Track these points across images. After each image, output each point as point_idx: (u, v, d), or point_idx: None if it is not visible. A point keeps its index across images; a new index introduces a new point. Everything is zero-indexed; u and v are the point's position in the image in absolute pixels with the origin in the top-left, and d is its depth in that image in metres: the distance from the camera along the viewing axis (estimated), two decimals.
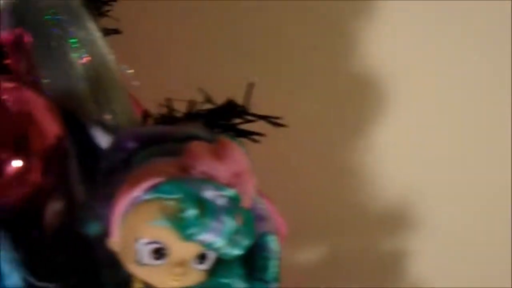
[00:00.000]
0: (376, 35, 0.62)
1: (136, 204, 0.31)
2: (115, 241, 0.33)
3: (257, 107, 0.40)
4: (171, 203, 0.31)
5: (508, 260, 0.67)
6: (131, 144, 0.37)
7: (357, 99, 0.64)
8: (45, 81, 0.37)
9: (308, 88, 0.62)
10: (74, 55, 0.38)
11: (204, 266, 0.33)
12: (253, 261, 0.34)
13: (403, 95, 0.64)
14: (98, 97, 0.38)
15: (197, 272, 0.32)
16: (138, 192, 0.31)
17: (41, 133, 0.33)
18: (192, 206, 0.30)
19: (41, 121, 0.34)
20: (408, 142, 0.64)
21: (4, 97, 0.34)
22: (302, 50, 0.62)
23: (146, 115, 0.40)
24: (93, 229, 0.35)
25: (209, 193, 0.30)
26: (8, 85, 0.36)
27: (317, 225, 0.64)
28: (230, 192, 0.31)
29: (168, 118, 0.38)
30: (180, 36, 0.58)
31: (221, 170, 0.32)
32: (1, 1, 0.38)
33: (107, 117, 0.38)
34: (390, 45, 0.62)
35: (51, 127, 0.34)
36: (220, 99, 0.40)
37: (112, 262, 0.36)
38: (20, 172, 0.33)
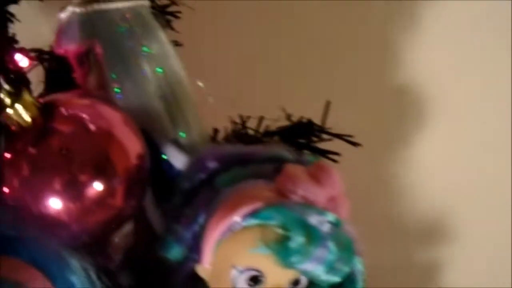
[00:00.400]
0: (418, 52, 0.62)
1: (234, 230, 0.30)
2: (206, 267, 0.32)
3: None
4: (273, 229, 0.30)
5: None
6: (212, 165, 0.36)
7: (396, 113, 0.64)
8: (119, 96, 0.36)
9: (350, 102, 0.62)
10: (148, 69, 0.37)
11: None
12: (341, 284, 0.34)
13: (441, 110, 0.64)
14: (173, 114, 0.37)
15: None
16: (236, 218, 0.30)
17: (124, 153, 0.32)
18: (298, 233, 0.29)
19: (122, 139, 0.32)
20: (444, 156, 0.65)
21: (81, 115, 0.33)
22: (349, 68, 0.62)
23: (217, 132, 0.39)
24: (174, 253, 0.34)
25: (313, 219, 0.30)
26: (82, 101, 0.34)
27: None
28: (332, 217, 0.30)
29: (242, 135, 0.37)
30: (250, 50, 0.57)
31: (319, 195, 0.31)
32: (70, 12, 0.37)
33: (182, 134, 0.37)
34: (431, 62, 0.62)
35: (133, 144, 0.33)
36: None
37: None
38: (102, 196, 0.32)
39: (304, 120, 0.37)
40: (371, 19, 0.64)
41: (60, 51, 0.38)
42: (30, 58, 0.35)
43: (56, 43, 0.38)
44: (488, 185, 0.67)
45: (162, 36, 0.38)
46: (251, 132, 0.38)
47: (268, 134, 0.37)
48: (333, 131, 0.42)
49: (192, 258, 0.33)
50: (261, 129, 0.39)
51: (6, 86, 0.30)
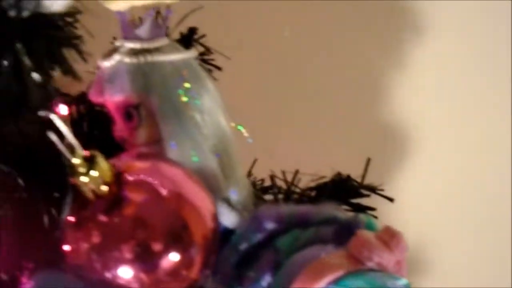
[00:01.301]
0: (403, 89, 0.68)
1: None
2: None
3: None
4: None
5: None
6: (270, 226, 0.36)
7: (379, 148, 0.69)
8: (173, 152, 0.35)
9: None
10: (201, 123, 0.36)
11: None
12: None
13: (422, 145, 0.71)
14: (225, 170, 0.36)
15: None
16: (320, 286, 0.32)
17: (199, 216, 0.31)
18: None
19: (195, 200, 0.31)
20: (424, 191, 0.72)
21: (149, 180, 0.31)
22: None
23: (255, 184, 0.39)
24: None
25: (391, 284, 0.32)
26: (145, 165, 0.32)
27: None
28: (404, 282, 0.33)
29: (290, 192, 0.38)
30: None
31: (391, 260, 0.33)
32: (117, 61, 0.35)
33: (233, 191, 0.36)
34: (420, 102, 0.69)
35: (205, 204, 0.32)
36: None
37: None
38: (177, 267, 0.30)
39: (344, 176, 0.40)
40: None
41: (98, 100, 0.36)
42: (69, 105, 0.33)
43: (95, 91, 0.36)
44: (467, 220, 0.76)
45: (212, 86, 0.37)
46: (293, 187, 0.39)
47: (311, 190, 0.39)
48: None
49: None
50: (296, 182, 0.41)
51: (81, 152, 0.28)
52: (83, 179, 0.28)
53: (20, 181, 0.35)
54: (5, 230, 0.36)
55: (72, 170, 0.28)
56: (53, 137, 0.27)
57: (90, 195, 0.29)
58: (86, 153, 0.28)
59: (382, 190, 0.40)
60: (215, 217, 0.32)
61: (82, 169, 0.28)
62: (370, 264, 0.33)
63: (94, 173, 0.28)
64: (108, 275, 0.30)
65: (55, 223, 0.36)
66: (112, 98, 0.35)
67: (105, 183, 0.29)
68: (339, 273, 0.32)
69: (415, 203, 0.68)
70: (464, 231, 0.71)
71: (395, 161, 0.70)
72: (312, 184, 0.40)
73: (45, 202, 0.36)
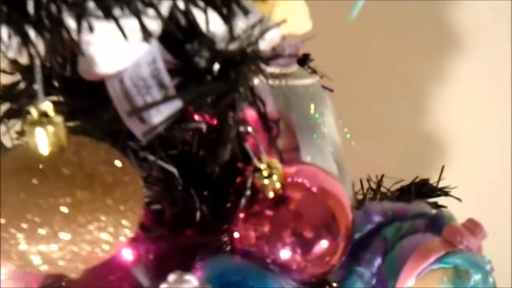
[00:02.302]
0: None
1: (424, 272, 0.42)
2: None
3: None
4: (453, 270, 0.42)
5: None
6: (377, 218, 0.47)
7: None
8: (307, 159, 0.44)
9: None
10: (326, 135, 0.45)
11: None
12: None
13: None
14: (341, 174, 0.46)
15: None
16: (426, 264, 0.42)
17: (343, 209, 0.39)
18: (477, 273, 0.41)
19: (338, 195, 0.39)
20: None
21: (302, 181, 0.40)
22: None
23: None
24: (356, 285, 0.44)
25: (483, 263, 0.42)
26: (294, 169, 0.41)
27: None
28: (488, 259, 0.43)
29: (379, 193, 0.48)
30: None
31: (475, 244, 0.44)
32: (263, 85, 0.43)
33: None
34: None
35: (346, 199, 0.40)
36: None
37: None
38: (325, 253, 0.39)
39: (423, 180, 0.50)
40: None
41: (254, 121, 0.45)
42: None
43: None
44: None
45: (330, 104, 0.47)
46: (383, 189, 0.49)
47: (399, 191, 0.49)
48: None
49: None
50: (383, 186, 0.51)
51: (265, 158, 0.37)
52: (266, 181, 0.37)
53: (179, 180, 0.44)
54: (159, 226, 0.45)
55: (257, 174, 0.37)
56: (247, 145, 0.36)
57: (270, 194, 0.38)
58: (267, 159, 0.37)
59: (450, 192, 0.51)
60: (353, 210, 0.41)
61: (265, 173, 0.37)
62: (461, 247, 0.44)
63: (274, 177, 0.37)
64: (271, 256, 0.39)
65: (205, 217, 0.45)
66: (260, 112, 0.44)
67: (280, 185, 0.38)
68: (441, 253, 0.43)
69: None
70: None
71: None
72: (397, 186, 0.50)
73: (199, 199, 0.44)
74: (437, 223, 0.46)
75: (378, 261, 0.44)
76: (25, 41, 0.31)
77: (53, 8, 0.30)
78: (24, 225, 0.29)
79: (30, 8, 0.30)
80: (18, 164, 0.30)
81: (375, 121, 0.76)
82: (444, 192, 0.50)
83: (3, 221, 0.29)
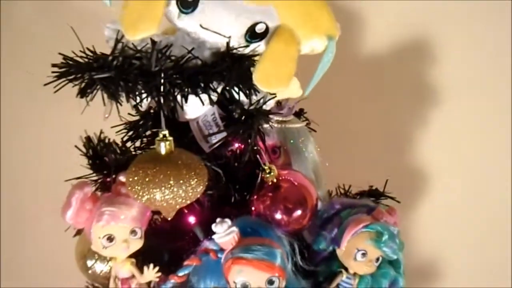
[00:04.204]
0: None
1: (357, 233, 0.76)
2: (341, 249, 0.76)
3: None
4: (374, 232, 0.75)
5: None
6: (338, 206, 0.82)
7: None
8: (297, 169, 0.80)
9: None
10: (307, 157, 0.82)
11: (378, 263, 0.77)
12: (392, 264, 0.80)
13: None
14: (317, 181, 0.82)
15: (375, 266, 0.77)
16: (358, 228, 0.76)
17: (311, 196, 0.76)
18: (387, 234, 0.75)
19: (310, 188, 0.76)
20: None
21: (289, 178, 0.77)
22: None
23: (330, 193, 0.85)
24: (322, 245, 0.79)
25: (392, 228, 0.76)
26: (286, 172, 0.78)
27: None
28: (397, 229, 0.77)
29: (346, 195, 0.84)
30: None
31: (392, 220, 0.78)
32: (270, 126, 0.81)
33: (320, 192, 0.82)
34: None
35: (313, 192, 0.77)
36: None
37: (327, 261, 0.79)
38: (300, 217, 0.75)
39: (373, 188, 0.85)
40: None
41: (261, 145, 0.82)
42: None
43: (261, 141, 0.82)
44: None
45: (311, 140, 0.83)
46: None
47: (358, 194, 0.84)
48: None
49: (329, 245, 0.78)
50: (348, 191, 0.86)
51: (268, 164, 0.74)
52: (268, 176, 0.74)
53: (223, 178, 0.81)
54: (211, 204, 0.82)
55: (264, 171, 0.74)
56: (259, 158, 0.73)
57: (270, 183, 0.74)
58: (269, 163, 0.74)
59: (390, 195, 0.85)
60: (317, 199, 0.77)
61: (267, 171, 0.74)
62: (382, 221, 0.77)
63: (273, 173, 0.74)
64: (271, 218, 0.75)
65: (236, 200, 0.81)
66: (268, 143, 0.81)
67: (276, 178, 0.74)
68: (367, 222, 0.76)
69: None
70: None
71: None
72: (356, 191, 0.85)
73: (233, 189, 0.81)
74: (372, 210, 0.80)
75: (335, 230, 0.79)
76: (156, 100, 0.70)
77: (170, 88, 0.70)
78: (154, 185, 0.67)
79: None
80: (150, 157, 0.69)
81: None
82: (386, 196, 0.84)
83: (145, 181, 0.67)
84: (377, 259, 0.78)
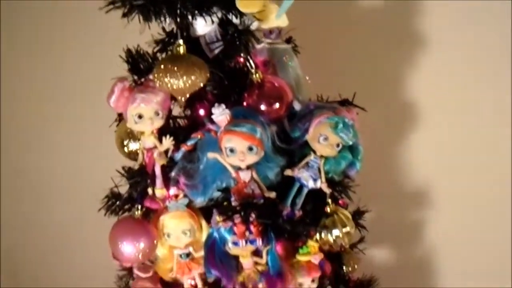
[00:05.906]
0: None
1: (321, 122, 1.04)
2: (309, 135, 1.05)
3: None
4: (333, 122, 1.03)
5: None
6: (312, 107, 1.10)
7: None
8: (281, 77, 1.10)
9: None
10: (291, 69, 1.10)
11: (338, 148, 1.05)
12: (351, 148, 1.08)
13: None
14: (298, 88, 1.11)
15: (336, 150, 1.05)
16: (322, 118, 1.04)
17: (287, 94, 1.05)
18: (341, 124, 1.02)
19: (286, 89, 1.05)
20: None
21: (272, 80, 1.06)
22: None
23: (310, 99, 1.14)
24: (297, 133, 1.08)
25: (347, 120, 1.03)
26: (272, 77, 1.07)
27: None
28: (352, 122, 1.04)
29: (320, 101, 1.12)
30: None
31: (349, 116, 1.05)
32: (262, 45, 1.10)
33: (299, 96, 1.10)
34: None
35: (289, 92, 1.06)
36: None
37: (302, 147, 1.07)
38: (279, 107, 1.05)
39: (343, 98, 1.12)
40: None
41: (256, 60, 1.11)
42: None
43: (255, 56, 1.11)
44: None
45: (295, 58, 1.12)
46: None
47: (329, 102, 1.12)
48: None
49: (303, 135, 1.06)
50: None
51: (254, 69, 1.03)
52: (254, 77, 1.03)
53: (224, 80, 1.11)
54: (216, 100, 1.13)
55: (252, 75, 1.03)
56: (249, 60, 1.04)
57: (255, 82, 1.03)
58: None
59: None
60: (291, 96, 1.07)
61: (255, 74, 1.03)
62: (339, 114, 1.05)
63: (258, 75, 1.04)
64: (258, 107, 1.05)
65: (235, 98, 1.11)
66: (260, 58, 1.11)
67: (260, 80, 1.04)
68: (329, 114, 1.04)
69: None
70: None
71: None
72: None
73: (231, 88, 1.12)
74: (336, 109, 1.07)
75: (307, 123, 1.07)
76: (175, 20, 1.01)
77: (185, 11, 1.01)
78: (171, 75, 0.98)
79: None
80: (169, 58, 1.00)
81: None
82: (352, 104, 1.11)
83: (164, 72, 0.98)
84: (338, 145, 1.05)
